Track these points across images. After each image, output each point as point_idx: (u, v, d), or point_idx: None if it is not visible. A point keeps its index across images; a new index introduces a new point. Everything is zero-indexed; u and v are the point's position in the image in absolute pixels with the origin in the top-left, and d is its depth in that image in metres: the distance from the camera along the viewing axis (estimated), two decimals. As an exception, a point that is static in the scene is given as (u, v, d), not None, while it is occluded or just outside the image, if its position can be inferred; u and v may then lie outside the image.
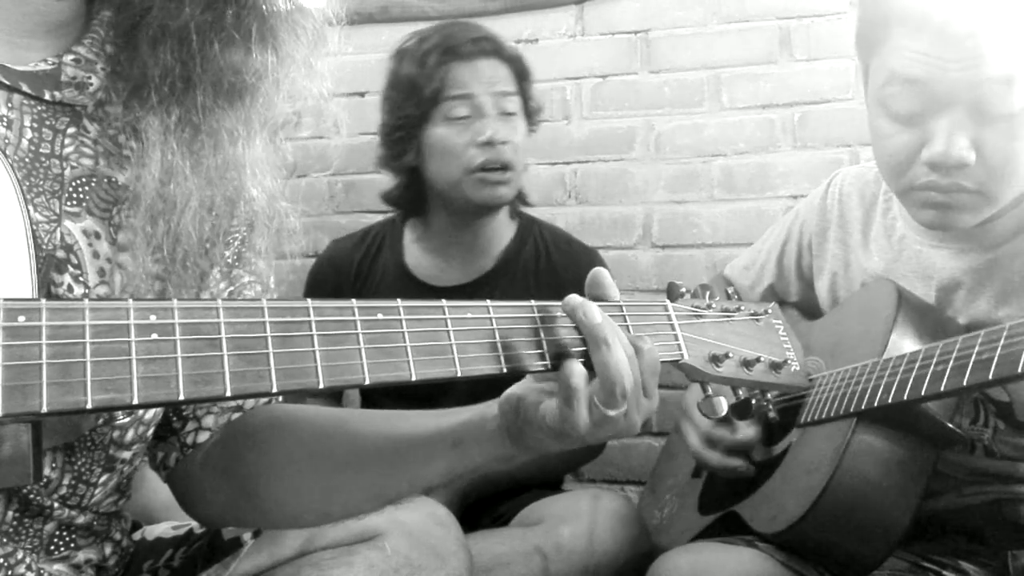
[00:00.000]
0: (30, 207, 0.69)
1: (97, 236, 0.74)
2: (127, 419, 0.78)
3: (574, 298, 0.72)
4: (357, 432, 0.81)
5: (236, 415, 0.86)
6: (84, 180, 0.74)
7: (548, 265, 1.73)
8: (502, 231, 1.74)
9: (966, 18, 1.02)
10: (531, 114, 1.74)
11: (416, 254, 1.75)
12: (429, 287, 1.70)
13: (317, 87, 0.84)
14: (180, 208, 0.75)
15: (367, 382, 0.61)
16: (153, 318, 0.55)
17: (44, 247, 0.70)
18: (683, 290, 0.84)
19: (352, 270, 1.76)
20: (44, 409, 0.51)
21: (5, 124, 0.70)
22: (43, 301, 0.53)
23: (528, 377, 0.74)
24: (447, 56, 1.64)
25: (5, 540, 0.73)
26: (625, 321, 0.76)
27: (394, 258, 1.75)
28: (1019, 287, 1.11)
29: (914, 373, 1.03)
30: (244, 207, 0.81)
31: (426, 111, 1.64)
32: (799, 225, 1.44)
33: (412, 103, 1.65)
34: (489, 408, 0.74)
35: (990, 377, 0.92)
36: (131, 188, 0.74)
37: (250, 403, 0.87)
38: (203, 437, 0.85)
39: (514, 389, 0.74)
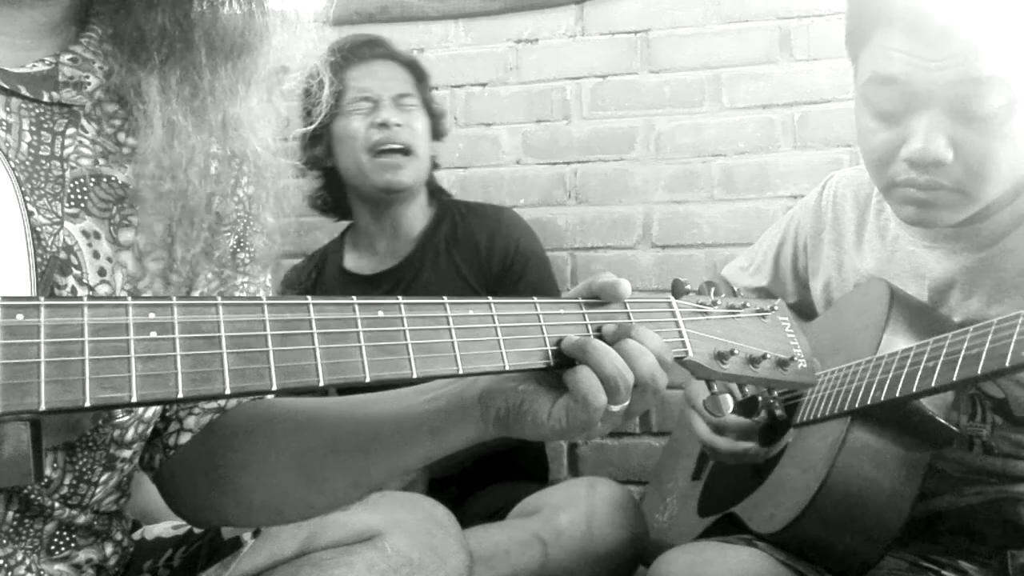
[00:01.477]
0: (32, 209, 0.69)
1: (97, 236, 0.73)
2: (128, 417, 0.78)
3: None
4: (334, 422, 0.80)
5: (217, 416, 0.86)
6: (83, 180, 0.74)
7: (465, 233, 1.86)
8: (420, 216, 1.89)
9: (946, 18, 1.02)
10: (434, 116, 1.90)
11: (353, 255, 1.92)
12: (362, 277, 1.86)
13: (312, 47, 0.85)
14: (185, 165, 0.76)
15: (368, 379, 0.61)
16: (152, 316, 0.55)
17: (48, 249, 0.70)
18: (687, 287, 0.83)
19: (304, 286, 1.91)
20: (42, 407, 0.51)
21: (4, 128, 0.70)
22: (41, 299, 0.53)
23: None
24: (345, 60, 1.81)
25: (5, 541, 0.73)
26: (629, 319, 0.75)
27: (336, 264, 1.91)
28: (1011, 286, 1.12)
29: (906, 370, 1.03)
30: (249, 162, 0.83)
31: (331, 109, 1.77)
32: (795, 227, 1.45)
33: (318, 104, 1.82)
34: (466, 392, 0.73)
35: (979, 372, 0.93)
36: (137, 151, 0.75)
37: (232, 403, 0.86)
38: (184, 438, 0.84)
39: (502, 380, 0.73)
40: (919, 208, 1.11)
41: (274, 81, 0.85)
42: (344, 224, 2.01)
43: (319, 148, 1.84)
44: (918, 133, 1.06)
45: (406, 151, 1.79)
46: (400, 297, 0.65)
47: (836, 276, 1.36)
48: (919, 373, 1.01)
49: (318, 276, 1.91)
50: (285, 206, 0.88)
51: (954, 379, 0.96)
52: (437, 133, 1.91)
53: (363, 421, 0.78)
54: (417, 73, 1.89)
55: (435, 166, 1.93)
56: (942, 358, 0.98)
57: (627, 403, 0.70)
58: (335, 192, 1.92)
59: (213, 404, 0.85)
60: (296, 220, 0.90)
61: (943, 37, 1.02)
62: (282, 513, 0.84)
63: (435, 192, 1.94)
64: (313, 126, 1.63)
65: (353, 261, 1.90)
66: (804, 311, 1.45)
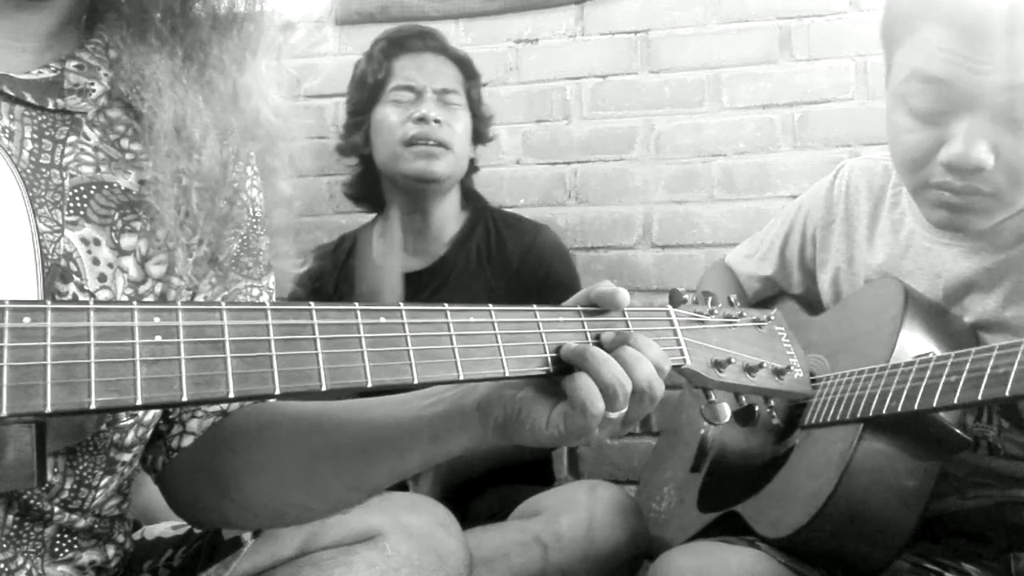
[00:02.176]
0: (35, 217, 0.69)
1: (97, 242, 0.74)
2: (129, 421, 0.78)
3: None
4: (335, 425, 0.81)
5: (220, 419, 0.86)
6: (83, 188, 0.74)
7: (498, 244, 1.81)
8: (451, 218, 1.84)
9: (998, 20, 0.99)
10: (479, 118, 1.84)
11: (382, 248, 1.85)
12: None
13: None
14: (199, 142, 0.76)
15: (370, 384, 0.61)
16: (157, 320, 0.56)
17: (49, 257, 0.70)
18: (685, 296, 0.84)
19: (332, 273, 1.87)
20: (48, 409, 0.51)
21: (8, 136, 0.70)
22: (48, 303, 0.53)
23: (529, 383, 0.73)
24: (394, 49, 1.79)
25: (5, 545, 0.73)
26: (627, 327, 0.76)
27: (366, 255, 1.85)
28: None
29: (925, 382, 1.01)
30: (263, 133, 0.83)
31: (373, 96, 1.78)
32: (803, 216, 1.43)
33: (362, 91, 1.81)
34: (466, 398, 0.74)
35: (1007, 393, 0.90)
36: (150, 129, 0.75)
37: (235, 406, 0.87)
38: (187, 441, 0.85)
39: (501, 387, 0.73)
40: (951, 212, 1.09)
41: (281, 40, 0.84)
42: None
43: (358, 135, 1.81)
44: (959, 136, 1.04)
45: (442, 145, 1.73)
46: (401, 303, 0.65)
47: (846, 269, 1.34)
48: (940, 387, 0.98)
49: (345, 265, 1.86)
50: (299, 166, 0.88)
51: (979, 398, 0.93)
52: (480, 136, 1.86)
53: (364, 425, 0.79)
54: (467, 71, 1.83)
55: (474, 169, 1.89)
56: (965, 374, 0.96)
57: (625, 410, 0.71)
58: (369, 181, 1.87)
59: (216, 407, 0.86)
60: (297, 220, 0.90)
61: (994, 40, 0.99)
62: (282, 516, 0.85)
63: (470, 196, 1.89)
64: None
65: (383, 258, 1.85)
66: (809, 303, 1.43)
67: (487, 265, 1.79)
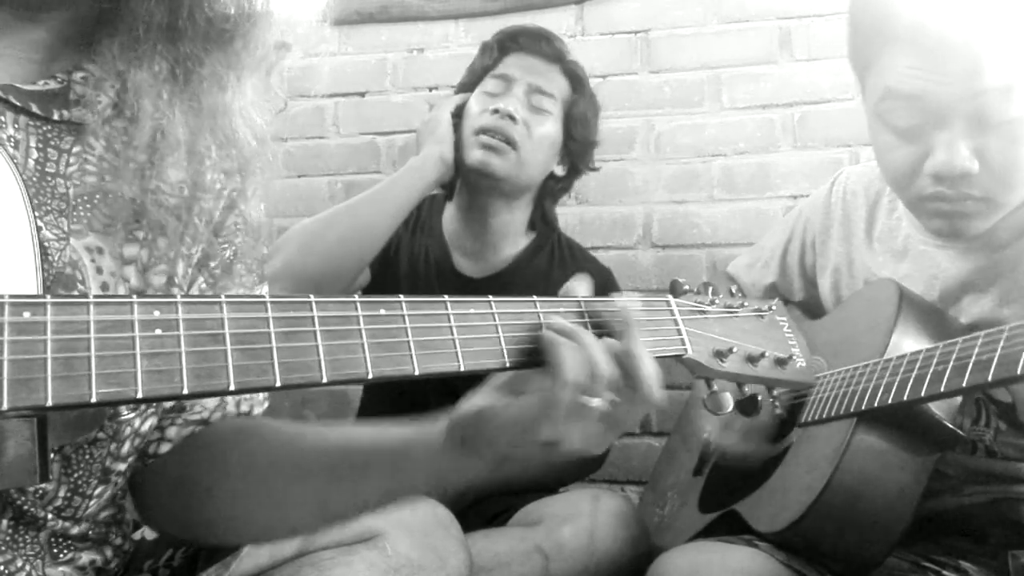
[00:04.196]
0: (40, 225, 0.69)
1: (100, 251, 0.73)
2: (131, 415, 0.78)
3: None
4: (305, 446, 0.79)
5: (199, 428, 0.85)
6: (87, 197, 0.73)
7: (560, 274, 1.74)
8: (514, 233, 1.75)
9: (959, 31, 1.02)
10: (574, 138, 1.72)
11: (450, 231, 1.77)
12: (459, 274, 1.73)
13: (316, 23, 0.83)
14: (167, 154, 0.74)
15: (370, 376, 0.61)
16: (157, 313, 0.55)
17: (54, 265, 0.70)
18: (686, 287, 0.84)
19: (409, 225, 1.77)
20: (49, 403, 0.51)
21: (12, 145, 0.70)
22: (48, 297, 0.53)
23: (488, 385, 0.72)
24: (510, 43, 1.74)
25: (3, 548, 0.73)
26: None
27: (440, 240, 1.77)
28: (1023, 288, 1.11)
29: (914, 373, 1.02)
30: (236, 153, 0.80)
31: (475, 81, 1.74)
32: (803, 223, 1.45)
33: (468, 74, 1.79)
34: (435, 425, 0.71)
35: (989, 379, 0.92)
36: (132, 139, 0.74)
37: (216, 417, 0.86)
38: (164, 448, 0.84)
39: (474, 401, 0.71)
40: (949, 220, 1.11)
41: (272, 60, 0.81)
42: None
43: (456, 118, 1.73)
44: (941, 146, 1.05)
45: (510, 142, 1.63)
46: (401, 296, 0.65)
47: (846, 273, 1.35)
48: (928, 377, 1.00)
49: (415, 229, 1.75)
50: (271, 200, 0.86)
51: (964, 385, 0.95)
52: (574, 158, 1.74)
53: (333, 446, 0.78)
54: (577, 86, 1.74)
55: (559, 190, 1.77)
56: (952, 363, 0.97)
57: (603, 401, 0.68)
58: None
59: (196, 416, 0.85)
60: (262, 252, 0.88)
61: (955, 51, 1.02)
62: (242, 533, 0.83)
63: (544, 219, 1.78)
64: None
65: (452, 247, 1.77)
66: (811, 309, 1.44)
67: (542, 291, 1.73)
